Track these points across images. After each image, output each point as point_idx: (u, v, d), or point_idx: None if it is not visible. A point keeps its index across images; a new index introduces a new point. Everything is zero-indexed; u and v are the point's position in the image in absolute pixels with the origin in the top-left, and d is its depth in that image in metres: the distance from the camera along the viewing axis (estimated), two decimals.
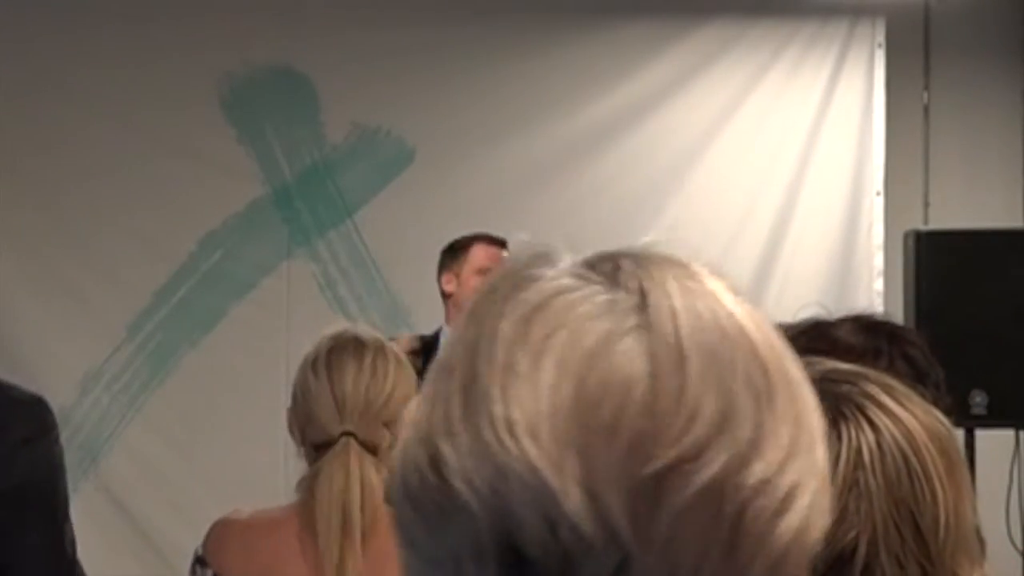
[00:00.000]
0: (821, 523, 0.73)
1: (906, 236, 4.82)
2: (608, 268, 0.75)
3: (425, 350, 4.43)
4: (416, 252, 5.69)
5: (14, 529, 2.23)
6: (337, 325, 2.50)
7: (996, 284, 4.58)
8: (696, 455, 0.69)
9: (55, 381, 5.48)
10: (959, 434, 4.23)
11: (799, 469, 0.72)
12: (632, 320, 0.72)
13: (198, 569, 2.37)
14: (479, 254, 4.44)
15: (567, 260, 0.76)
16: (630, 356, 0.71)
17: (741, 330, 0.73)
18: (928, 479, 1.33)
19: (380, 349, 2.40)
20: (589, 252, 0.78)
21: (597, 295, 0.73)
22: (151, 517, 5.56)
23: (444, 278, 4.47)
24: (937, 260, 4.63)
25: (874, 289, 5.68)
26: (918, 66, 6.02)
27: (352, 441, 2.32)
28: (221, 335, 5.69)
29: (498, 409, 0.70)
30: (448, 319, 4.46)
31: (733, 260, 5.73)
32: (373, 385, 2.35)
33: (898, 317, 4.70)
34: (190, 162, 5.66)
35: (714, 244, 5.76)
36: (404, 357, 2.45)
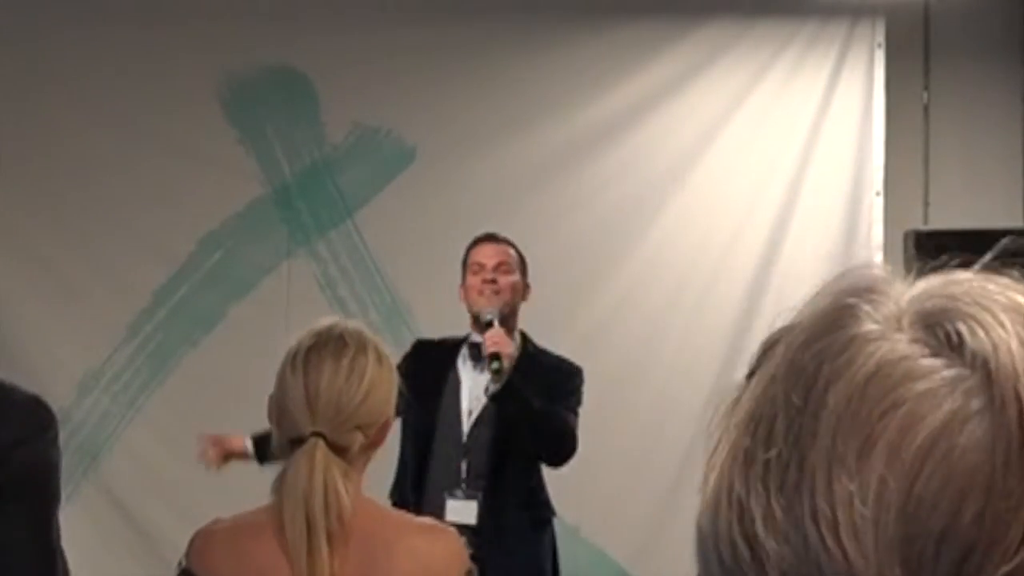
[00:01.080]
0: None
1: (906, 236, 4.82)
2: (948, 329, 0.66)
3: (446, 351, 4.39)
4: (416, 252, 5.70)
5: (2, 523, 2.23)
6: (326, 320, 2.48)
7: None
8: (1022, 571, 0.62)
9: (55, 381, 5.49)
10: None
11: None
12: (976, 403, 0.64)
13: None
14: (472, 255, 4.46)
15: (895, 304, 0.69)
16: (971, 450, 0.63)
17: None
18: None
19: (361, 348, 2.38)
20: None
21: (939, 369, 0.65)
22: (151, 517, 5.56)
23: (461, 290, 4.50)
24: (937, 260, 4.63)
25: None
26: (918, 66, 6.02)
27: (320, 442, 2.30)
28: (221, 335, 5.69)
29: (822, 503, 0.64)
30: (471, 325, 4.47)
31: (733, 260, 5.73)
32: (347, 388, 2.33)
33: None
34: (190, 162, 5.66)
35: (714, 244, 5.76)
36: (387, 356, 2.43)
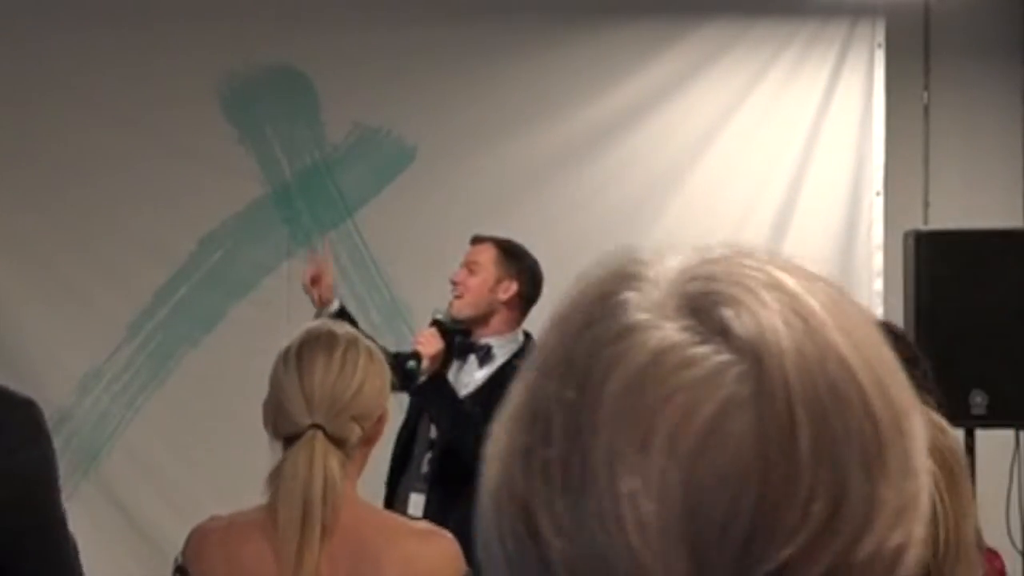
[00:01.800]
0: (918, 558, 0.68)
1: (906, 236, 4.82)
2: (715, 315, 0.67)
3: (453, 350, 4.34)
4: (416, 252, 5.70)
5: (14, 533, 2.23)
6: (315, 320, 2.51)
7: (996, 284, 4.58)
8: (809, 552, 0.64)
9: (55, 381, 5.49)
10: (959, 434, 4.23)
11: (906, 527, 0.67)
12: (746, 389, 0.65)
13: None
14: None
15: (658, 289, 0.69)
16: (744, 438, 0.64)
17: (853, 382, 0.67)
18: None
19: (352, 343, 2.41)
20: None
21: (710, 356, 0.66)
22: (151, 517, 5.56)
23: None
24: (937, 260, 4.63)
25: (874, 289, 5.68)
26: (918, 66, 6.02)
27: (319, 433, 2.32)
28: (221, 335, 5.69)
29: (607, 502, 0.64)
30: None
31: None
32: (341, 379, 2.36)
33: (898, 317, 4.71)
34: (190, 162, 5.66)
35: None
36: (378, 352, 2.46)
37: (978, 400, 4.50)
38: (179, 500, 5.40)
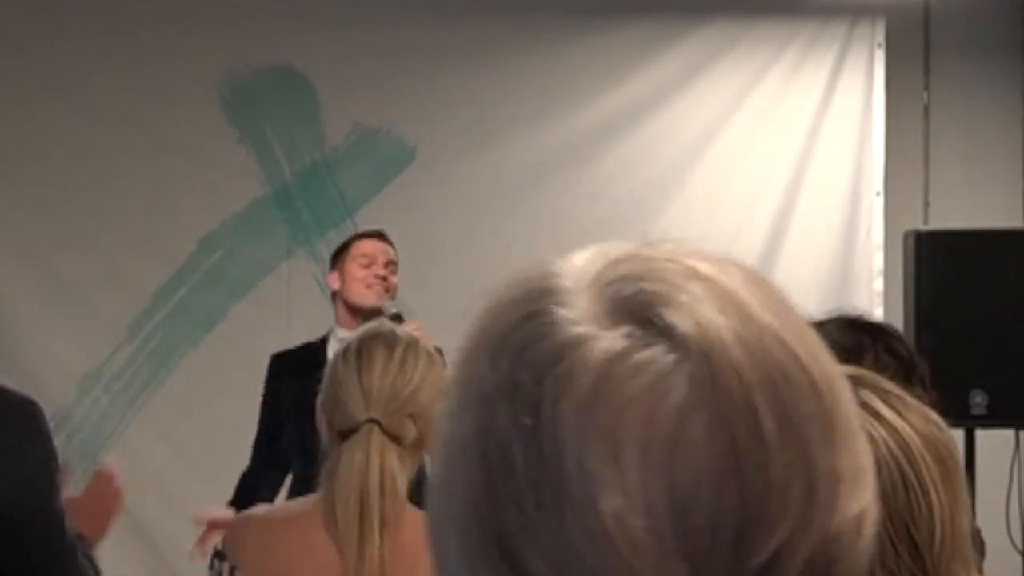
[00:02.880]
0: (874, 521, 0.70)
1: (906, 236, 4.82)
2: (651, 315, 0.66)
3: (308, 356, 4.18)
4: (416, 252, 5.69)
5: (13, 533, 2.23)
6: (374, 321, 2.53)
7: (996, 284, 4.58)
8: (796, 535, 0.64)
9: (55, 381, 5.49)
10: (959, 434, 4.23)
11: (863, 491, 0.68)
12: (699, 389, 0.64)
13: (216, 562, 2.37)
14: (360, 247, 4.37)
15: (582, 298, 0.67)
16: (710, 437, 0.64)
17: (794, 358, 0.67)
18: (924, 491, 1.33)
19: (413, 343, 2.41)
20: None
21: (658, 358, 0.65)
22: (151, 517, 5.56)
23: (330, 277, 4.41)
24: (937, 260, 4.63)
25: (874, 289, 5.68)
26: (918, 66, 6.02)
27: (376, 428, 2.32)
28: (221, 335, 5.69)
29: (591, 523, 0.63)
30: (338, 319, 4.38)
31: None
32: (401, 376, 2.35)
33: (898, 317, 4.70)
34: (190, 162, 5.66)
35: (714, 244, 5.73)
36: (437, 356, 2.45)
37: (978, 400, 4.50)
38: (179, 500, 5.40)
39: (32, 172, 5.64)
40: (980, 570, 1.51)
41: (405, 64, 5.72)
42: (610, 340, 0.65)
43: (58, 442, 2.50)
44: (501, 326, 0.69)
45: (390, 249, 4.41)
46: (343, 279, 4.33)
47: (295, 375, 4.14)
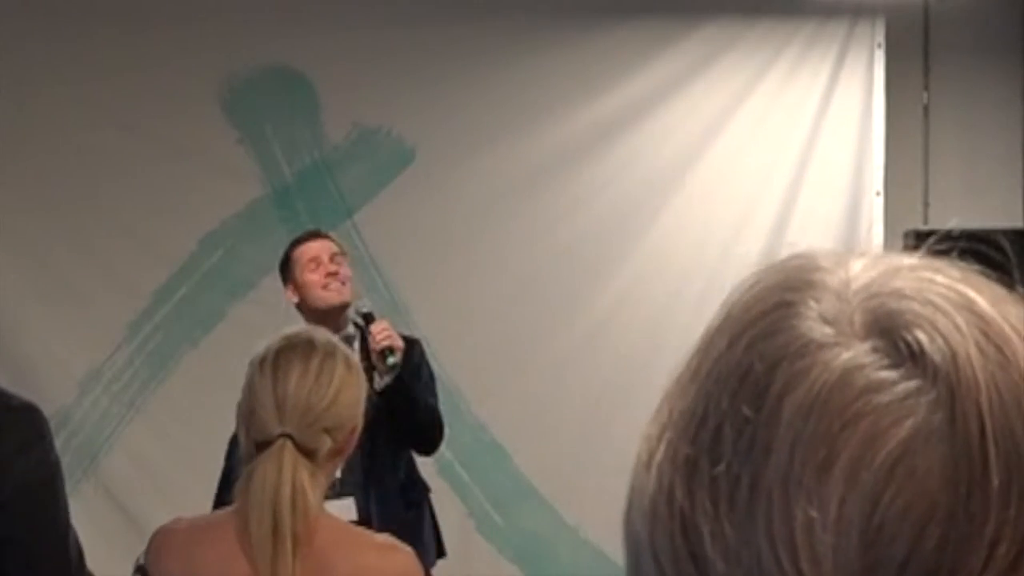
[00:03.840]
0: None
1: (906, 236, 4.82)
2: (907, 336, 0.63)
3: None
4: (416, 252, 5.70)
5: (16, 538, 2.23)
6: (293, 326, 2.50)
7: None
8: None
9: (55, 381, 5.49)
10: None
11: None
12: (937, 418, 0.61)
13: None
14: (302, 252, 4.33)
15: (842, 302, 0.65)
16: (933, 472, 0.60)
17: None
18: None
19: (331, 352, 2.38)
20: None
21: (900, 381, 0.62)
22: (151, 517, 5.55)
23: (286, 294, 4.39)
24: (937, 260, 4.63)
25: None
26: (918, 66, 6.02)
27: (288, 443, 2.30)
28: (221, 335, 5.69)
29: (779, 527, 0.61)
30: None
31: (733, 260, 5.73)
32: (316, 389, 2.33)
33: None
34: (190, 162, 5.66)
35: (714, 244, 5.76)
36: (356, 362, 2.42)
37: None
38: (179, 500, 5.40)
39: (33, 172, 5.64)
40: None
41: (405, 64, 5.72)
42: (856, 351, 0.63)
43: (58, 442, 2.51)
44: (751, 306, 0.67)
45: (330, 243, 4.35)
46: (298, 289, 4.29)
47: None
